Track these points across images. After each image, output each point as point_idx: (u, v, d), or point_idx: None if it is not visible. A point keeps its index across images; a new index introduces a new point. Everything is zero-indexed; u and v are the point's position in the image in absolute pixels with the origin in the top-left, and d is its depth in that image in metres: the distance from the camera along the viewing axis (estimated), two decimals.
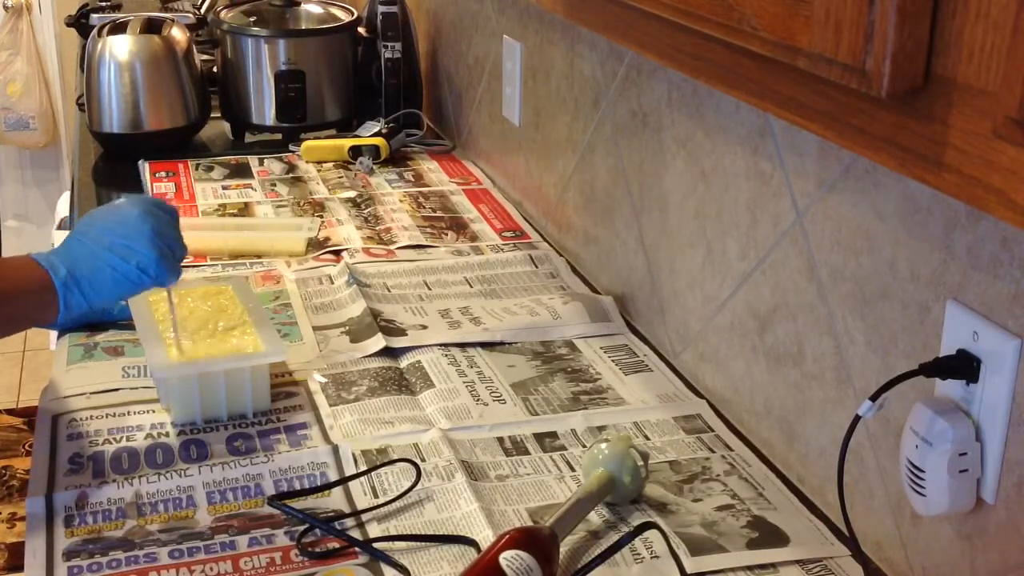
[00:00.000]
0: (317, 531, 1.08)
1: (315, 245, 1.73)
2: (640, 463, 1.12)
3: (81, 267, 1.14)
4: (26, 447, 3.12)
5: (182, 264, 1.23)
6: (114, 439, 1.21)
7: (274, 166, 2.09)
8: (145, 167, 2.02)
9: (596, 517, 1.10)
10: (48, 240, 1.86)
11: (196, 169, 2.04)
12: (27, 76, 4.06)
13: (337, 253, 1.71)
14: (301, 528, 1.08)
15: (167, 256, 1.18)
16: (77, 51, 2.79)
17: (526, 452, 1.22)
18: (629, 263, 1.53)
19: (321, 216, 1.84)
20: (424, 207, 1.91)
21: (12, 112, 4.08)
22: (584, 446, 1.23)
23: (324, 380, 1.35)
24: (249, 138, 2.22)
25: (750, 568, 1.04)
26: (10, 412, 3.36)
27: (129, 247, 1.16)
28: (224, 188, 1.96)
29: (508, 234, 1.81)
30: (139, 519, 1.09)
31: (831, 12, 0.69)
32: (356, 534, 1.08)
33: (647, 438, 1.25)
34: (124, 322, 1.42)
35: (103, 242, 1.16)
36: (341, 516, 1.10)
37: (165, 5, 2.92)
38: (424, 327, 1.46)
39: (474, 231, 1.81)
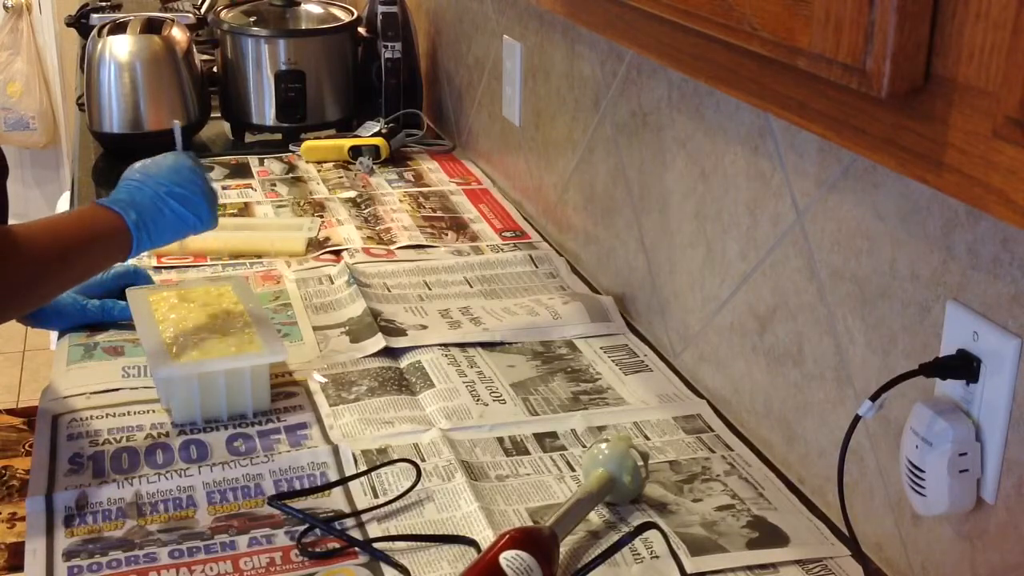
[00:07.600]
0: (317, 531, 1.08)
1: (315, 245, 1.73)
2: (640, 463, 1.12)
3: (147, 212, 1.25)
4: (26, 447, 3.12)
5: (183, 264, 1.29)
6: (114, 439, 1.21)
7: (274, 166, 2.09)
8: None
9: (596, 517, 1.10)
10: None
11: None
12: (27, 76, 4.06)
13: (337, 253, 1.70)
14: (301, 528, 1.08)
15: (214, 205, 1.33)
16: (77, 51, 2.79)
17: (526, 452, 1.22)
18: (629, 263, 1.53)
19: (321, 216, 1.84)
20: (424, 207, 1.91)
21: (12, 112, 4.08)
22: (584, 446, 1.23)
23: (324, 380, 1.35)
24: (249, 138, 2.22)
25: (750, 568, 1.04)
26: (10, 412, 3.36)
27: (187, 196, 1.29)
28: (224, 188, 1.96)
29: (508, 234, 1.81)
30: (139, 519, 1.09)
31: (831, 12, 0.69)
32: (356, 534, 1.08)
33: (647, 438, 1.25)
34: (124, 322, 1.42)
35: (163, 190, 1.27)
36: (341, 516, 1.10)
37: (165, 5, 2.92)
38: (424, 327, 1.46)
39: (474, 231, 1.81)
